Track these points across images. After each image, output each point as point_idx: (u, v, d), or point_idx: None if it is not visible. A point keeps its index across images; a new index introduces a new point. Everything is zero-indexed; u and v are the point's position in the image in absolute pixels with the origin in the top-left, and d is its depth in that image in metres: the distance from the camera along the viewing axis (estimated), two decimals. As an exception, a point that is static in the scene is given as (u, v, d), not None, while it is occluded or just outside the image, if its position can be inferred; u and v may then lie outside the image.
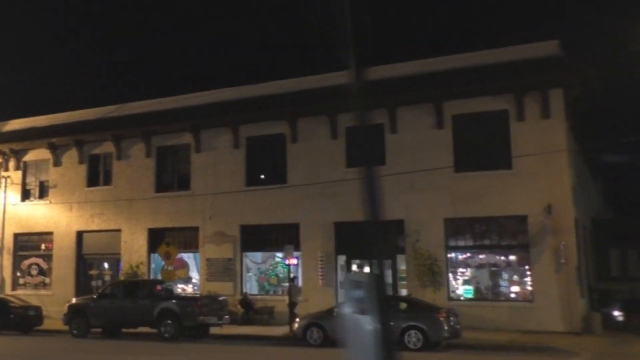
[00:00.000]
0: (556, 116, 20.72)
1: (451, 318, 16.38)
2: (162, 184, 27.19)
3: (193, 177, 26.33)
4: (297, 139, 24.46)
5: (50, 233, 29.26)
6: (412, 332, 16.16)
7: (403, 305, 17.31)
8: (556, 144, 20.52)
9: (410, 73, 22.58)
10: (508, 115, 21.37)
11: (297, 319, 18.22)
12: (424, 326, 16.10)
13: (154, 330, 19.90)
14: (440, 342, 16.41)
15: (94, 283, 28.35)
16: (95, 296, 21.33)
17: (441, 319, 16.20)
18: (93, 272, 28.51)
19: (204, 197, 25.82)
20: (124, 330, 21.24)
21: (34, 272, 29.72)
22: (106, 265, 28.36)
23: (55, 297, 27.69)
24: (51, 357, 16.17)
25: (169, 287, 21.78)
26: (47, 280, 29.38)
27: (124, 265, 26.74)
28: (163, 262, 26.47)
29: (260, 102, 24.78)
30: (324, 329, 17.26)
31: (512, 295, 21.02)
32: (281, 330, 21.33)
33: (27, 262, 29.93)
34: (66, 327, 21.03)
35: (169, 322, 19.26)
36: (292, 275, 22.53)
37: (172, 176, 27.20)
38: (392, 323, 16.24)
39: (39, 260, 29.73)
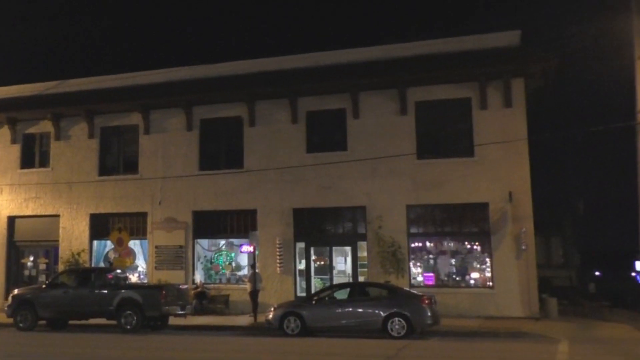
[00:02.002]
0: (517, 105, 21.17)
1: (433, 304, 16.42)
2: (107, 167, 25.77)
3: (141, 160, 25.10)
4: (255, 122, 23.77)
5: (-23, 218, 27.16)
6: (396, 319, 16.04)
7: (384, 293, 17.18)
8: (517, 133, 20.97)
9: (374, 58, 22.39)
10: (471, 103, 21.64)
11: (273, 308, 17.71)
12: (408, 313, 16.02)
13: (106, 322, 18.92)
14: (424, 328, 16.42)
15: (27, 272, 26.63)
16: (44, 285, 19.91)
17: (424, 305, 16.19)
18: (26, 260, 26.73)
19: (153, 181, 24.70)
20: (72, 322, 20.06)
21: (-43, 260, 27.48)
22: (42, 253, 26.64)
23: (-17, 287, 25.84)
24: (4, 352, 14.89)
25: (121, 276, 20.62)
26: (-28, 269, 27.26)
27: (64, 253, 25.19)
28: (107, 250, 25.45)
29: (216, 83, 23.87)
30: (302, 318, 16.87)
31: (473, 282, 21.39)
32: (244, 320, 20.79)
33: (-51, 249, 27.64)
34: (7, 320, 19.64)
35: (130, 312, 18.25)
36: (252, 262, 21.94)
37: (117, 159, 25.81)
38: (376, 310, 16.29)
39: (-36, 248, 27.53)
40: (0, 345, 15.92)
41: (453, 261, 21.66)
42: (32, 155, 26.90)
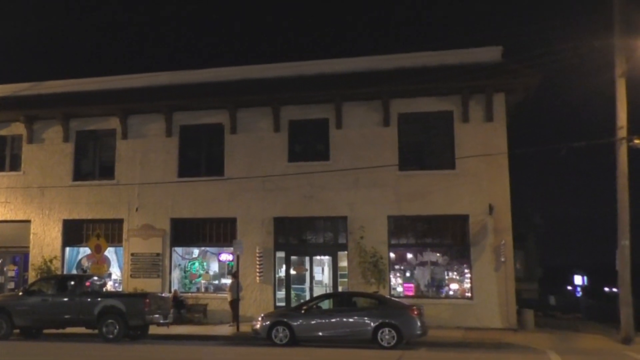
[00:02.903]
0: (498, 119, 21.64)
1: (422, 315, 16.59)
2: (82, 172, 25.23)
3: (118, 166, 24.66)
4: (236, 130, 23.65)
5: (-59, 222, 26.21)
6: (386, 329, 16.16)
7: (373, 303, 17.28)
8: (497, 147, 21.43)
9: (358, 69, 22.64)
10: (453, 116, 22.02)
11: (260, 318, 17.60)
12: (398, 323, 16.15)
13: (83, 330, 18.54)
14: (413, 339, 16.56)
15: (-5, 279, 25.83)
16: (20, 293, 19.34)
17: (414, 316, 16.35)
18: (-6, 266, 25.92)
19: (130, 187, 24.29)
20: (46, 331, 19.55)
21: None
22: (11, 259, 25.86)
23: (-53, 294, 24.87)
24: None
25: (99, 283, 20.19)
26: None
27: (35, 260, 24.51)
28: (79, 257, 24.94)
29: (198, 89, 23.71)
30: (291, 327, 16.83)
31: (452, 293, 21.71)
32: (224, 329, 20.62)
33: None
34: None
35: (112, 321, 17.88)
36: (233, 270, 21.83)
37: (93, 163, 25.31)
38: (366, 320, 16.37)
39: None
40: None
41: (433, 272, 21.93)
42: (3, 158, 26.14)
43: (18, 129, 25.85)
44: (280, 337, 16.91)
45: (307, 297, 22.68)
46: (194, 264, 24.29)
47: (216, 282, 23.95)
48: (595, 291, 61.29)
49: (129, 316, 17.87)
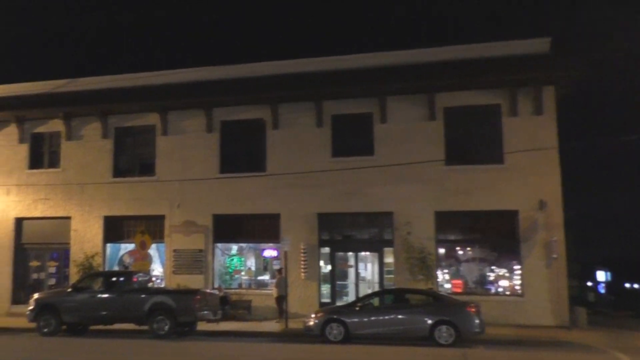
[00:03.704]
0: (548, 113, 21.19)
1: (479, 312, 16.24)
2: (121, 168, 25.11)
3: (158, 162, 24.51)
4: (278, 125, 23.41)
5: (-18, 219, 26.22)
6: (443, 327, 15.86)
7: (428, 299, 16.97)
8: (547, 141, 20.99)
9: (402, 62, 22.23)
10: (500, 110, 21.61)
11: (313, 314, 17.34)
12: (456, 321, 15.84)
13: (128, 327, 18.43)
14: (472, 337, 16.22)
15: (35, 275, 25.78)
16: (68, 289, 19.21)
17: (472, 313, 16.02)
18: (34, 263, 25.86)
19: (170, 183, 24.13)
20: (91, 327, 19.43)
21: (-41, 262, 26.45)
22: (51, 256, 25.82)
23: (-12, 291, 24.92)
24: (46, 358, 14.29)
25: (144, 279, 20.02)
26: (-25, 272, 26.28)
27: (76, 256, 24.42)
28: (121, 253, 24.86)
29: (238, 85, 23.45)
30: (345, 324, 16.56)
31: (501, 290, 21.31)
32: (271, 325, 20.39)
33: (-50, 251, 26.60)
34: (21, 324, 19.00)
35: (162, 317, 17.70)
36: (279, 267, 21.61)
37: (132, 160, 25.16)
38: (422, 317, 16.06)
39: (-35, 250, 26.52)
40: (32, 353, 15.23)
41: (481, 268, 21.56)
42: (41, 155, 26.11)
43: (56, 125, 25.79)
44: (335, 334, 16.65)
45: (353, 294, 22.48)
46: (233, 259, 24.09)
47: (260, 278, 23.72)
48: (617, 287, 60.66)
49: (179, 313, 17.69)
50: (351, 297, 22.96)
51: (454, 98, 22.00)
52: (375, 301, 17.52)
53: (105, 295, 18.42)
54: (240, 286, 23.66)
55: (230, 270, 24.01)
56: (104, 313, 18.31)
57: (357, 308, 16.99)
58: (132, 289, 18.42)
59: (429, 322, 16.06)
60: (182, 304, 17.72)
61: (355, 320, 16.65)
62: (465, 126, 21.95)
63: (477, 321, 16.03)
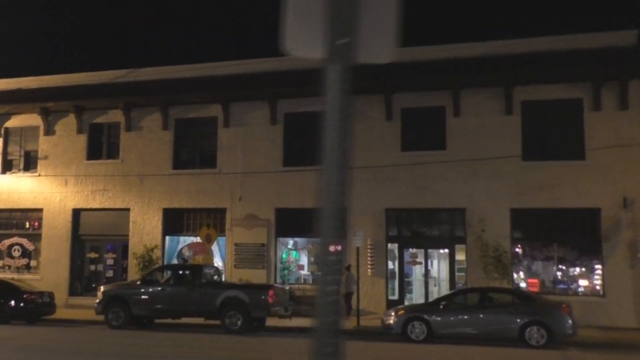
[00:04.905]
0: (634, 107, 20.23)
1: (572, 313, 15.41)
2: (181, 160, 24.66)
3: (220, 154, 24.00)
4: (345, 118, 22.70)
5: (39, 210, 25.96)
6: (534, 327, 15.07)
7: (515, 299, 16.20)
8: (632, 137, 20.03)
9: (477, 54, 21.39)
10: (582, 104, 20.69)
11: (393, 312, 16.65)
12: (548, 322, 15.03)
13: (195, 321, 18.01)
14: (565, 339, 15.39)
15: (92, 267, 25.47)
16: (138, 282, 18.77)
17: (565, 314, 15.20)
18: (91, 255, 25.55)
19: (232, 176, 23.61)
20: (157, 320, 18.97)
21: (16, 253, 26.28)
22: (108, 247, 25.50)
23: (45, 282, 24.44)
24: (132, 351, 13.78)
25: (209, 272, 19.47)
26: (32, 262, 26.09)
27: (136, 248, 24.02)
28: (180, 246, 24.49)
29: (303, 76, 22.68)
30: (428, 323, 15.83)
31: (581, 290, 20.40)
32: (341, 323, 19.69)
33: (7, 241, 26.43)
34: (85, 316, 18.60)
35: (234, 312, 17.15)
36: (347, 263, 20.93)
37: (193, 152, 24.71)
38: (511, 318, 15.28)
39: (23, 240, 26.33)
40: (115, 346, 14.76)
41: (560, 268, 20.66)
42: (100, 145, 25.79)
43: (115, 116, 25.44)
44: (417, 333, 15.95)
45: (418, 292, 21.75)
46: (288, 253, 23.51)
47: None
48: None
49: (252, 308, 17.15)
50: (416, 295, 22.29)
51: (532, 91, 21.12)
52: (459, 300, 16.75)
53: (176, 289, 17.96)
54: (297, 281, 23.02)
55: (288, 265, 23.39)
56: (175, 307, 17.84)
57: (441, 307, 16.24)
58: (203, 283, 17.91)
59: (519, 322, 15.28)
60: (255, 298, 17.17)
61: (439, 319, 15.93)
62: (544, 121, 21.05)
63: (570, 322, 15.22)
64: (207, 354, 12.91)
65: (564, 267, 20.64)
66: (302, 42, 3.01)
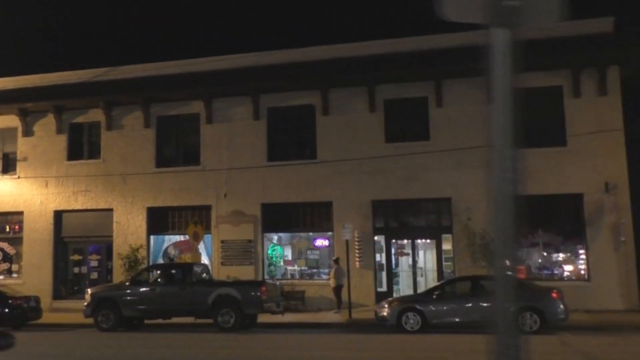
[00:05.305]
0: (612, 93, 20.58)
1: (563, 298, 15.68)
2: (164, 158, 24.46)
3: (203, 151, 23.86)
4: (328, 111, 22.76)
5: (20, 213, 25.56)
6: (527, 313, 15.28)
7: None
8: (612, 122, 20.38)
9: (458, 45, 21.43)
10: (562, 91, 21.00)
11: (386, 304, 16.77)
12: (541, 307, 15.27)
13: (185, 320, 18.00)
14: (557, 323, 15.64)
15: (76, 270, 25.17)
16: (127, 283, 18.62)
17: (557, 298, 15.45)
18: (75, 257, 25.24)
19: (217, 172, 23.49)
20: (147, 321, 18.85)
21: (-3, 257, 25.87)
22: (91, 249, 25.20)
23: (28, 286, 23.93)
24: (130, 354, 13.67)
25: (198, 270, 19.35)
26: (14, 267, 25.70)
27: (121, 249, 23.78)
28: (165, 245, 24.34)
29: (286, 70, 22.77)
30: (422, 313, 15.98)
31: (566, 274, 20.76)
32: (331, 316, 19.83)
33: (-14, 246, 26.00)
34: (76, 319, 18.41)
35: (227, 310, 17.11)
36: (335, 257, 21.03)
37: (176, 149, 24.54)
38: (505, 305, 15.43)
39: (4, 244, 25.93)
40: (102, 349, 14.63)
41: (545, 253, 20.98)
42: (81, 145, 25.46)
43: (96, 115, 25.13)
44: (411, 324, 16.10)
45: (404, 282, 21.95)
46: (274, 248, 23.48)
47: (314, 269, 23.10)
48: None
49: (245, 305, 17.13)
50: (403, 286, 22.47)
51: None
52: (452, 289, 16.93)
53: (167, 288, 17.86)
54: (283, 277, 23.03)
55: (274, 261, 23.36)
56: (166, 306, 17.74)
57: (434, 296, 16.41)
58: (194, 281, 17.83)
59: (512, 309, 15.44)
60: (248, 295, 17.15)
61: (433, 309, 16.10)
62: (526, 108, 21.20)
63: (562, 307, 15.49)
64: (210, 354, 12.86)
65: (549, 253, 20.96)
66: (462, 5, 2.83)
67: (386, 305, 16.68)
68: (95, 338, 16.60)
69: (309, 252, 23.14)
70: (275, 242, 23.61)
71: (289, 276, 23.23)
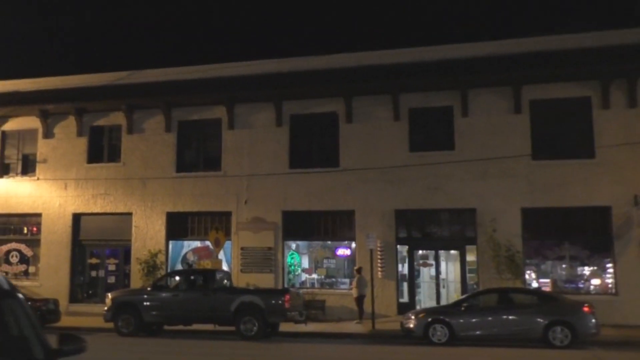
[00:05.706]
0: (643, 105, 20.25)
1: (594, 312, 15.34)
2: (185, 163, 24.27)
3: (224, 156, 23.66)
4: (352, 119, 22.52)
5: (38, 215, 25.41)
6: (558, 328, 14.98)
7: (537, 299, 16.10)
8: (642, 135, 20.05)
9: (486, 54, 21.27)
10: (591, 102, 20.69)
11: (413, 315, 16.47)
12: (573, 321, 14.94)
13: (204, 327, 17.71)
14: (588, 338, 15.31)
15: (94, 273, 24.98)
16: (149, 288, 18.41)
17: (588, 313, 15.12)
18: (93, 260, 25.07)
19: (238, 178, 23.28)
20: (166, 327, 18.62)
21: (14, 259, 25.72)
22: (109, 252, 25.01)
23: (45, 289, 23.80)
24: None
25: (220, 277, 19.11)
26: (31, 269, 25.55)
27: (139, 253, 23.59)
28: (184, 251, 24.15)
29: (310, 77, 22.57)
30: (450, 325, 15.67)
31: (593, 288, 20.38)
32: (353, 326, 19.52)
33: (4, 247, 25.83)
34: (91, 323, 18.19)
35: (250, 318, 16.85)
36: (358, 266, 20.75)
37: (197, 154, 24.35)
38: (535, 318, 15.17)
39: (21, 246, 25.74)
40: (125, 354, 14.41)
41: (571, 266, 20.62)
42: (101, 148, 25.32)
43: (117, 118, 25.01)
44: (439, 336, 15.78)
45: (425, 294, 21.65)
46: (292, 256, 23.24)
47: (333, 278, 22.84)
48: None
49: (268, 313, 16.86)
50: (425, 297, 22.17)
51: (541, 90, 21.07)
52: (480, 301, 16.60)
53: (190, 294, 17.62)
54: (302, 285, 22.76)
55: (294, 269, 23.12)
56: (188, 313, 17.50)
57: (463, 308, 16.09)
58: (216, 288, 17.59)
59: (542, 322, 15.17)
60: (271, 303, 16.88)
61: (461, 321, 15.78)
62: (553, 119, 20.99)
63: (593, 321, 15.15)
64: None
65: (575, 266, 20.60)
66: None
67: (412, 317, 16.39)
68: (116, 343, 16.36)
69: (327, 260, 22.85)
70: (293, 249, 23.37)
71: (308, 285, 22.96)
